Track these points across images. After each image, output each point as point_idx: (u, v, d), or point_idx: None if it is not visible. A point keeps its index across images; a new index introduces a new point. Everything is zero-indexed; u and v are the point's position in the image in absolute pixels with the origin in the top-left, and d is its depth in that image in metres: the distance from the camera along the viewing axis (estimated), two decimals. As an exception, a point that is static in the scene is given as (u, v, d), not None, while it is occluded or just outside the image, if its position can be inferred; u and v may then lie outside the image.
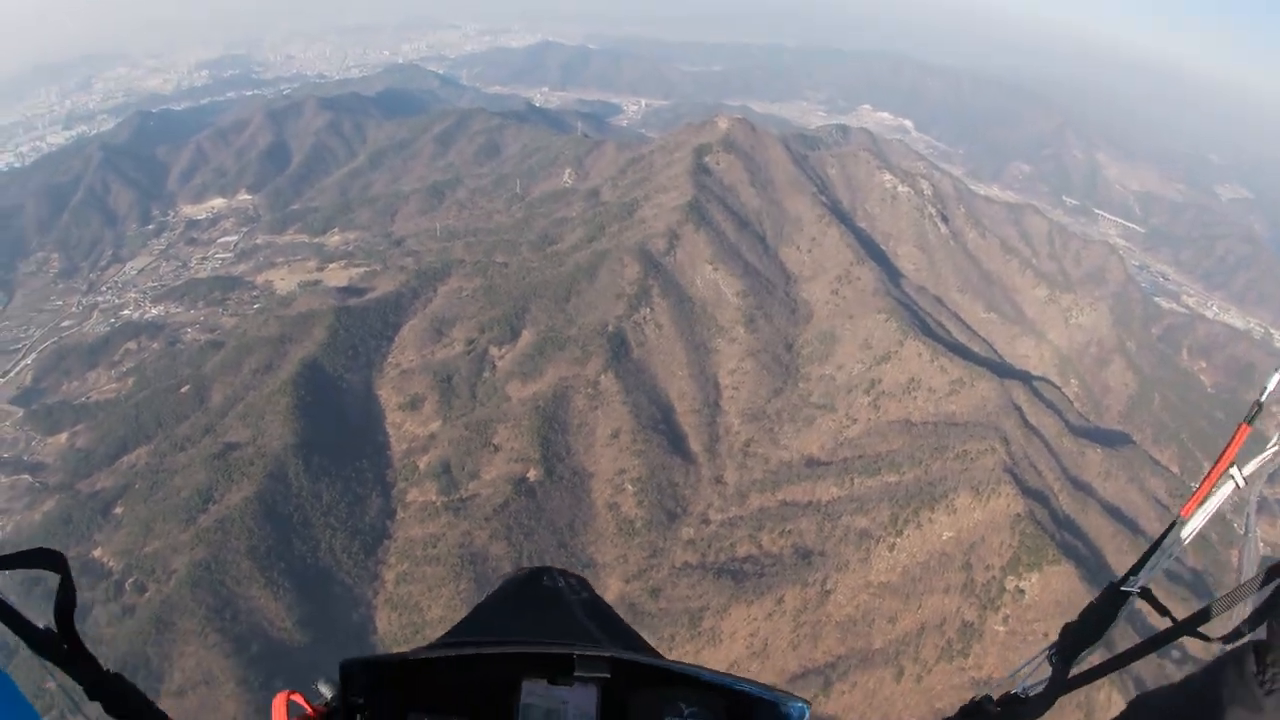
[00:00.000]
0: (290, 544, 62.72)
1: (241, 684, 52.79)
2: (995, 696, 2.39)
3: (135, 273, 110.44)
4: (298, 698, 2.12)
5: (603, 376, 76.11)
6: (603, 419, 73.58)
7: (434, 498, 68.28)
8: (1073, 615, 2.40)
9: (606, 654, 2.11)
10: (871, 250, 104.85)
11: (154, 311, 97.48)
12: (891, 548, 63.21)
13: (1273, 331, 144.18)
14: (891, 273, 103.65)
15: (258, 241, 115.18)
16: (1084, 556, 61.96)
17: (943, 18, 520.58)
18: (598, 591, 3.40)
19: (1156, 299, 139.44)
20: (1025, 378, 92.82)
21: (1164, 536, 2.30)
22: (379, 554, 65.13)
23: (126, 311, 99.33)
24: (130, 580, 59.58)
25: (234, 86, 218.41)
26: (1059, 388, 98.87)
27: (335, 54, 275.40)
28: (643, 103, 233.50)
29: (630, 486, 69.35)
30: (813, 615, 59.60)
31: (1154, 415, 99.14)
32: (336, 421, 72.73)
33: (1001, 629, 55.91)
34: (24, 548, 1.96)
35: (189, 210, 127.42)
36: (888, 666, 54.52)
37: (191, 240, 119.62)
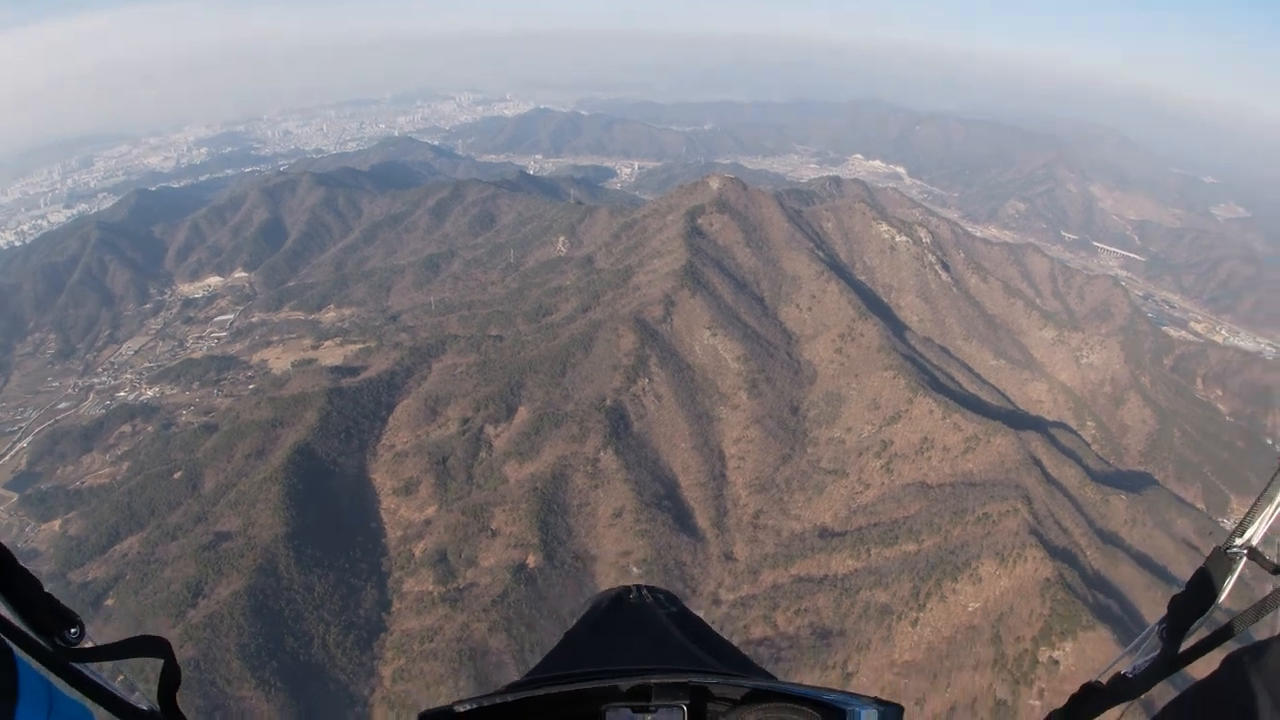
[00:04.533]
0: (281, 640, 60.46)
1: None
2: (1105, 681, 2.33)
3: (132, 353, 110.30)
4: None
5: (602, 453, 73.81)
6: (604, 498, 70.99)
7: (430, 587, 65.80)
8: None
9: (684, 680, 2.15)
10: (873, 304, 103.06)
11: (149, 393, 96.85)
12: (915, 623, 60.36)
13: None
14: (895, 326, 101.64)
15: (253, 319, 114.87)
16: (1118, 617, 59.28)
17: (925, 65, 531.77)
18: None
19: (1165, 328, 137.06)
20: (1041, 426, 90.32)
21: (1268, 488, 2.14)
22: (375, 648, 62.62)
23: (122, 393, 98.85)
24: (119, 679, 56.23)
25: (232, 164, 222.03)
26: (1076, 432, 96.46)
27: (332, 129, 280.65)
28: (635, 165, 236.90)
29: (636, 569, 66.33)
30: (835, 702, 56.29)
31: (1175, 451, 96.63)
32: (329, 509, 70.76)
33: (1037, 704, 53.13)
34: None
35: (185, 288, 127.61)
36: (918, 756, 51.20)
37: (188, 319, 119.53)
